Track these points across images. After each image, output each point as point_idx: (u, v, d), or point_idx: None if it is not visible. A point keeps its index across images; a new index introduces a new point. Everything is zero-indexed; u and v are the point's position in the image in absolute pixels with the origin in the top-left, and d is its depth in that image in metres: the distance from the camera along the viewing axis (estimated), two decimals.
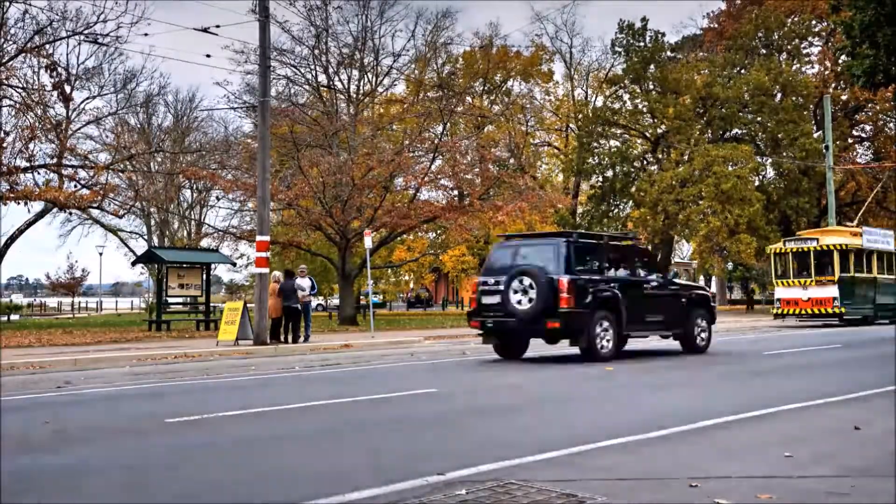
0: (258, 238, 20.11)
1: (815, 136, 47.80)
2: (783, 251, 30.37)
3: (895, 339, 19.30)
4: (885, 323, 29.56)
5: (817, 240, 29.53)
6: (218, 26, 20.22)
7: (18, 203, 26.75)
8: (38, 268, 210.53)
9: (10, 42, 28.76)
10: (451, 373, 13.47)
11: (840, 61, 32.07)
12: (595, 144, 48.34)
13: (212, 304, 29.91)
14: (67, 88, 28.87)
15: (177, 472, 5.70)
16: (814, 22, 50.76)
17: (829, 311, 28.15)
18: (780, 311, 29.65)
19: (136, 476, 5.56)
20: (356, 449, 6.47)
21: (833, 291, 28.09)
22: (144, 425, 7.83)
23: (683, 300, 16.13)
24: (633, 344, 17.43)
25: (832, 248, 28.80)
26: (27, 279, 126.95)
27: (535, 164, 49.65)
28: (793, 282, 29.36)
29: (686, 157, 44.95)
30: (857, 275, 28.90)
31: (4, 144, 26.86)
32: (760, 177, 50.25)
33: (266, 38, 20.33)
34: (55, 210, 31.54)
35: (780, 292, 29.87)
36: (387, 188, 32.32)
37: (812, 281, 28.73)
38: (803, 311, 28.95)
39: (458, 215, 31.43)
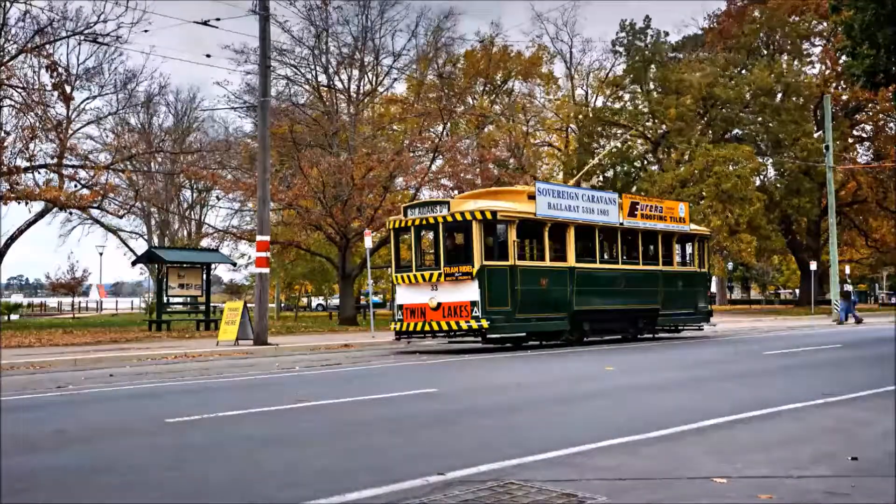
0: (258, 238, 20.11)
1: (816, 136, 47.86)
2: (405, 224, 18.51)
3: (895, 339, 19.30)
4: (557, 343, 19.17)
5: (448, 204, 18.07)
6: (218, 19, 20.28)
7: (18, 203, 26.78)
8: (39, 268, 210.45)
9: (11, 42, 28.79)
10: (450, 372, 13.47)
11: (840, 61, 32.09)
12: (595, 145, 48.39)
13: (212, 304, 29.91)
14: (67, 88, 28.87)
15: (177, 472, 5.70)
16: (815, 22, 50.78)
17: (466, 325, 17.15)
18: (401, 327, 18.15)
19: (136, 476, 5.56)
20: (356, 449, 6.47)
21: (471, 293, 17.26)
22: (144, 425, 7.82)
23: None
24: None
25: (471, 217, 17.39)
26: (27, 279, 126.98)
27: (535, 164, 49.62)
28: (416, 276, 18.07)
29: (687, 158, 44.98)
30: (521, 263, 18.05)
31: (5, 144, 26.87)
32: (761, 177, 50.31)
33: (266, 37, 20.34)
34: (55, 210, 31.55)
35: (402, 294, 18.56)
36: (387, 188, 32.31)
37: (441, 275, 17.74)
38: (432, 328, 17.64)
39: None
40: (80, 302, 72.18)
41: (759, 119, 48.36)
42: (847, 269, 57.28)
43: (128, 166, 36.64)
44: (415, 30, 40.46)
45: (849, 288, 33.82)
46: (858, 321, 31.60)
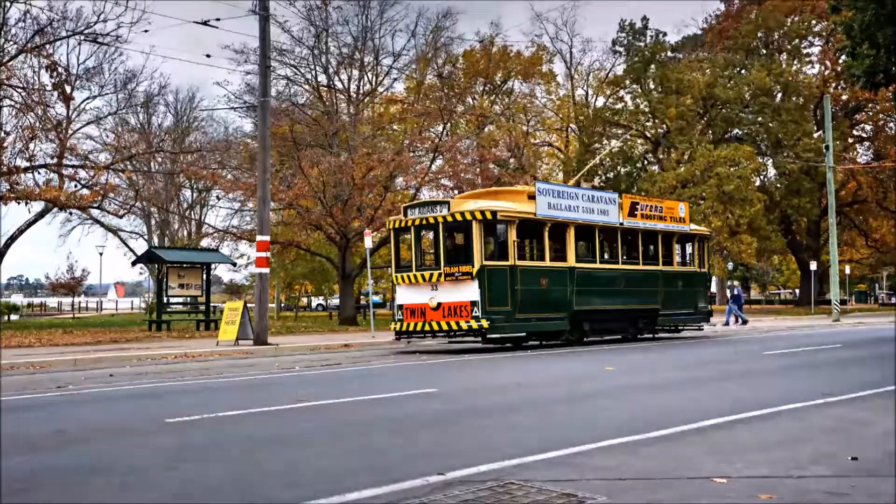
0: (258, 238, 20.11)
1: (816, 136, 47.87)
2: (405, 224, 18.52)
3: (895, 339, 19.30)
4: (558, 343, 19.17)
5: (448, 204, 18.06)
6: (218, 19, 20.28)
7: (18, 203, 26.77)
8: (38, 268, 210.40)
9: (11, 42, 28.79)
10: (450, 372, 13.47)
11: (840, 61, 32.10)
12: (596, 145, 48.38)
13: (212, 304, 29.92)
14: (67, 88, 28.86)
15: (177, 472, 5.70)
16: (814, 22, 50.79)
17: (466, 325, 17.14)
18: (401, 327, 18.16)
19: (136, 476, 5.56)
20: (356, 449, 6.47)
21: (471, 293, 17.27)
22: (144, 425, 7.82)
23: None
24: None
25: (471, 217, 17.39)
26: (27, 279, 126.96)
27: (535, 164, 49.61)
28: (416, 276, 18.11)
29: (687, 158, 44.98)
30: (521, 263, 18.01)
31: (5, 144, 26.87)
32: (761, 177, 50.31)
33: (266, 37, 20.34)
34: (55, 210, 31.55)
35: (402, 294, 18.57)
36: (387, 188, 32.31)
37: (441, 275, 17.74)
38: (432, 327, 17.64)
39: None
40: (80, 302, 72.20)
41: (760, 119, 48.36)
42: (847, 269, 57.40)
43: (128, 166, 36.64)
44: (414, 30, 40.50)
45: (737, 290, 34.63)
46: (745, 322, 31.34)
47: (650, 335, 21.89)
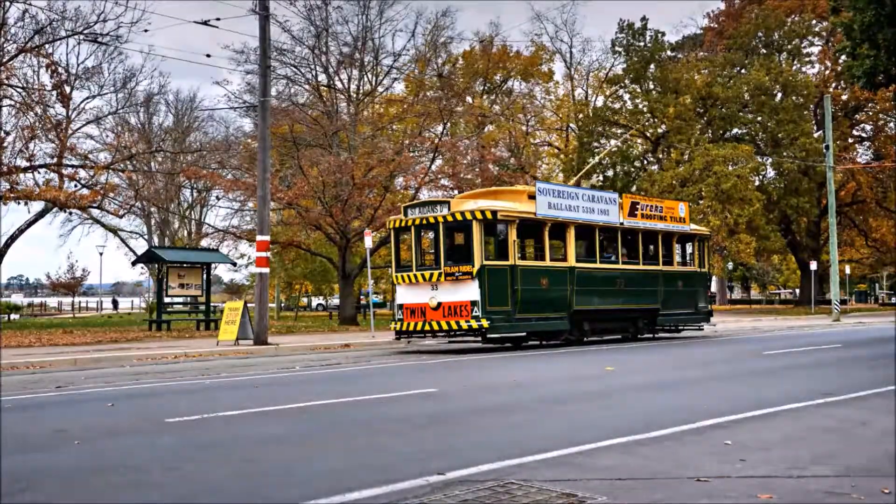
0: (258, 238, 20.12)
1: (815, 135, 47.88)
2: (405, 223, 18.60)
3: (895, 339, 19.31)
4: (556, 343, 19.19)
5: (449, 204, 18.12)
6: (218, 19, 20.29)
7: (18, 203, 26.78)
8: (39, 268, 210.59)
9: (10, 42, 28.78)
10: (451, 372, 13.47)
11: (840, 61, 32.11)
12: (595, 144, 48.38)
13: (212, 304, 29.92)
14: (67, 89, 28.86)
15: (177, 472, 5.70)
16: (814, 21, 50.81)
17: (466, 325, 17.17)
18: (401, 327, 18.25)
19: (136, 476, 5.56)
20: (356, 449, 6.47)
21: (472, 292, 17.32)
22: (144, 425, 7.83)
23: None
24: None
25: (471, 217, 17.42)
26: (27, 279, 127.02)
27: (535, 164, 49.62)
28: (416, 276, 18.18)
29: (686, 157, 44.98)
30: (521, 263, 18.11)
31: (4, 144, 26.87)
32: (760, 176, 50.31)
33: (266, 37, 20.36)
34: (55, 210, 31.56)
35: (402, 294, 18.63)
36: (387, 188, 32.32)
37: (441, 274, 17.83)
38: (433, 327, 17.68)
39: None
40: (80, 302, 72.24)
41: (759, 119, 48.38)
42: (847, 269, 57.41)
43: (128, 166, 36.62)
44: (414, 30, 40.54)
45: None
46: None
47: (650, 335, 21.89)
